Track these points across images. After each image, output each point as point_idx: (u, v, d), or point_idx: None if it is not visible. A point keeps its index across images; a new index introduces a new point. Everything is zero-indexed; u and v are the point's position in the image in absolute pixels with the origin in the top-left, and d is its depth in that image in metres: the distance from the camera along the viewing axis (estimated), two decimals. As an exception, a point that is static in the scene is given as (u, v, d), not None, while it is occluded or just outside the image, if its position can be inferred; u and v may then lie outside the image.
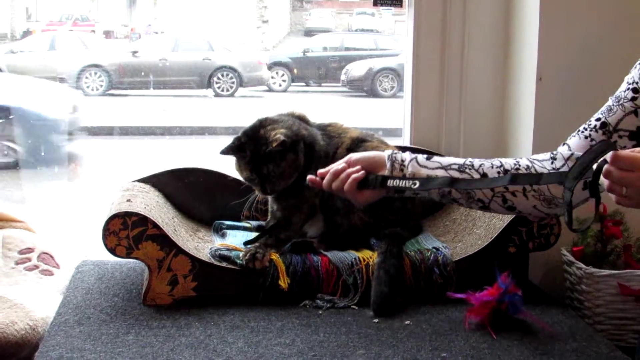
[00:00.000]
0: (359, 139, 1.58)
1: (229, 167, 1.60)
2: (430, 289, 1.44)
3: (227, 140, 1.51)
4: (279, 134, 1.46)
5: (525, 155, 1.30)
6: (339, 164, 1.31)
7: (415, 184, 1.24)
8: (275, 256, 1.43)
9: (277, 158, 1.46)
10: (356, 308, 1.39)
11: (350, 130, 1.62)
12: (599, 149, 1.06)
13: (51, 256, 1.61)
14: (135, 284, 1.49)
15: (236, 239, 1.55)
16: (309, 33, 3.24)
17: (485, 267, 1.42)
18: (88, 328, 1.28)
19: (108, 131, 2.57)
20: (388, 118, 2.51)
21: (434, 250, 1.48)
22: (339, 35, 3.24)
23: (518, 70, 1.73)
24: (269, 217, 1.63)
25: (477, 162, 1.27)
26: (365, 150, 1.54)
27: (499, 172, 1.25)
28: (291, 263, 1.42)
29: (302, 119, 1.60)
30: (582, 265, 1.54)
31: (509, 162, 1.27)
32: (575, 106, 1.62)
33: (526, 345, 1.25)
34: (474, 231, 1.56)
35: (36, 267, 1.57)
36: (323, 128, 1.61)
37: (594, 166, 1.06)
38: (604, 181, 1.03)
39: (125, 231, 1.36)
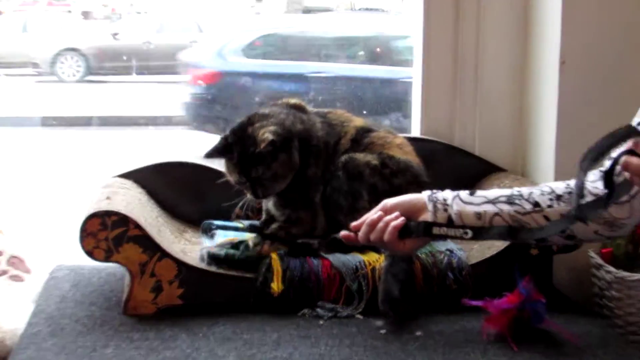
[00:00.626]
0: (364, 129, 1.58)
1: (220, 161, 1.58)
2: (444, 296, 1.43)
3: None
4: (267, 133, 1.45)
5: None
6: (373, 213, 1.30)
7: (466, 233, 1.23)
8: (274, 255, 1.42)
9: (268, 159, 1.45)
10: (361, 317, 1.38)
11: (354, 118, 1.61)
12: (621, 133, 1.04)
13: (21, 260, 1.60)
14: (115, 291, 1.48)
15: (227, 240, 1.53)
16: (307, 12, 3.22)
17: (504, 271, 1.41)
18: (62, 340, 1.27)
19: (86, 121, 2.55)
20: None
21: (448, 252, 1.47)
22: (341, 15, 3.23)
23: (539, 53, 1.72)
24: (263, 215, 1.62)
25: (525, 190, 1.27)
26: (371, 140, 1.55)
27: (550, 199, 1.25)
28: (288, 267, 1.41)
29: (298, 108, 1.59)
30: (611, 268, 1.53)
31: (559, 187, 1.26)
32: (602, 91, 1.62)
33: (550, 358, 1.24)
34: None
35: (5, 272, 1.56)
36: (322, 115, 1.59)
37: (614, 154, 1.06)
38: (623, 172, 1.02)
39: (104, 232, 1.35)
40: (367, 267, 1.42)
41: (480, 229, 1.23)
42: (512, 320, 1.30)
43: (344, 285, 1.41)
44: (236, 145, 1.49)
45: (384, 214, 1.29)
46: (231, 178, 1.53)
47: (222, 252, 1.45)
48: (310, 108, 1.62)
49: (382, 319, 1.36)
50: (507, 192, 1.27)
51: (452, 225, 1.25)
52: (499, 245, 1.48)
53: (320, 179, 1.53)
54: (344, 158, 1.52)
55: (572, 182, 1.26)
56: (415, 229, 1.26)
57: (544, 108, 1.71)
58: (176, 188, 1.65)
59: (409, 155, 1.57)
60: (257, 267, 1.40)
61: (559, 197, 1.25)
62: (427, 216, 1.27)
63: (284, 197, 1.54)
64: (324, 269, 1.41)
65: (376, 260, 1.43)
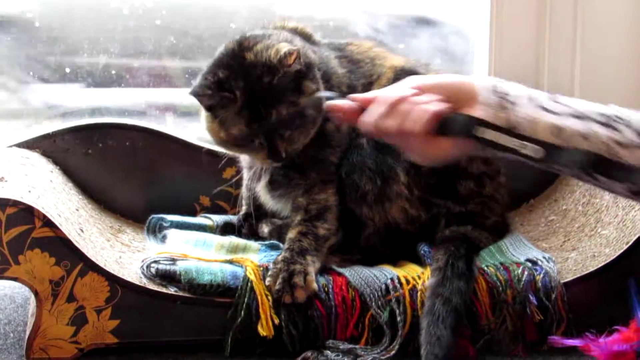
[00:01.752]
0: (405, 71, 1.57)
1: (177, 121, 1.65)
2: (522, 331, 1.41)
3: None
4: (286, 47, 1.45)
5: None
6: (400, 87, 1.25)
7: (525, 147, 1.19)
8: (253, 273, 1.40)
9: (292, 90, 1.46)
10: (394, 364, 1.36)
11: (389, 55, 1.62)
12: None
13: None
14: (14, 324, 1.48)
15: (187, 245, 1.53)
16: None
17: (616, 293, 1.39)
18: None
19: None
20: (450, 39, 2.49)
21: (529, 264, 1.46)
22: None
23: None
24: (244, 206, 1.65)
25: (630, 114, 1.23)
26: None
27: None
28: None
29: (303, 35, 1.60)
30: None
31: None
32: None
33: None
34: (597, 231, 1.55)
35: None
36: (340, 48, 1.61)
37: None
38: None
39: (-5, 232, 1.32)
40: (403, 286, 1.40)
41: (553, 148, 1.19)
42: (628, 368, 1.28)
43: (368, 314, 1.39)
44: (235, 79, 1.47)
45: (417, 93, 1.24)
46: (228, 138, 1.49)
47: (178, 268, 1.42)
48: (318, 38, 1.63)
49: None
50: (606, 109, 1.23)
51: (511, 133, 1.20)
52: (608, 252, 1.46)
53: (344, 139, 1.53)
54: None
55: None
56: (455, 123, 1.21)
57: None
58: (109, 164, 1.66)
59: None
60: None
61: None
62: (479, 111, 1.23)
63: (295, 167, 1.53)
64: (336, 289, 1.41)
65: (418, 276, 1.41)
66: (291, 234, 1.49)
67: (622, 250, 1.44)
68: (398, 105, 1.22)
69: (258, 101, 1.45)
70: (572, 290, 1.42)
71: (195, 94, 1.47)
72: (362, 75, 1.57)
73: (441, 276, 1.38)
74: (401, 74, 1.55)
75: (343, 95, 1.29)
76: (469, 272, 1.40)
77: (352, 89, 1.53)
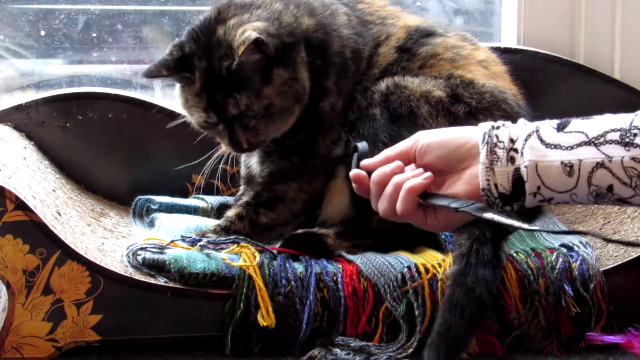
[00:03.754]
0: (420, 31, 1.59)
1: (166, 90, 1.64)
2: (556, 326, 1.41)
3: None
4: (249, 31, 1.44)
5: None
6: (387, 158, 1.26)
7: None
8: (249, 260, 1.40)
9: (255, 80, 1.46)
10: (411, 364, 1.35)
11: (402, 14, 1.61)
12: None
13: None
14: None
15: (177, 230, 1.53)
16: None
17: None
18: None
19: None
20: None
21: (564, 250, 1.45)
22: None
23: None
24: (242, 186, 1.65)
25: None
26: (434, 52, 1.56)
27: None
28: (285, 280, 1.40)
29: None
30: None
31: None
32: None
33: None
34: (642, 213, 1.54)
35: None
36: (350, 5, 1.60)
37: None
38: None
39: (-38, 216, 1.32)
40: (422, 276, 1.40)
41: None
42: (678, 369, 1.27)
43: (382, 308, 1.39)
44: (199, 57, 1.48)
45: (403, 165, 1.25)
46: (193, 117, 1.51)
47: (167, 257, 1.41)
48: None
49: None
50: (624, 120, 1.21)
51: (510, 213, 1.20)
52: (654, 235, 1.45)
53: (340, 117, 1.53)
54: (384, 84, 1.51)
55: None
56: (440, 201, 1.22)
57: None
58: (89, 139, 1.66)
59: (499, 80, 1.56)
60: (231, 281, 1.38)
61: None
62: (476, 171, 1.23)
63: (269, 155, 1.55)
64: (346, 279, 1.40)
65: (438, 264, 1.41)
66: (230, 212, 1.53)
67: (670, 232, 1.43)
68: (384, 184, 1.25)
69: (217, 86, 1.46)
70: (612, 280, 1.41)
71: (148, 74, 1.49)
72: (374, 36, 1.57)
73: (464, 264, 1.36)
74: (415, 34, 1.58)
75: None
76: (495, 259, 1.38)
77: (358, 54, 1.54)
